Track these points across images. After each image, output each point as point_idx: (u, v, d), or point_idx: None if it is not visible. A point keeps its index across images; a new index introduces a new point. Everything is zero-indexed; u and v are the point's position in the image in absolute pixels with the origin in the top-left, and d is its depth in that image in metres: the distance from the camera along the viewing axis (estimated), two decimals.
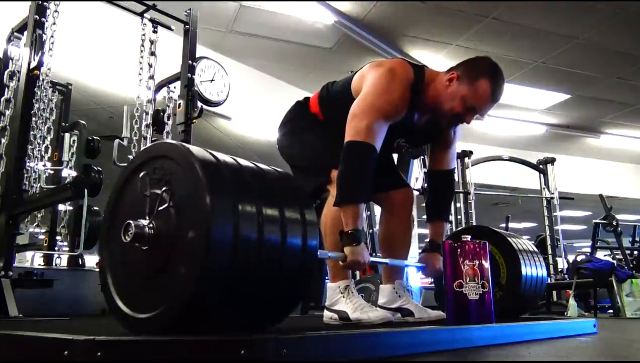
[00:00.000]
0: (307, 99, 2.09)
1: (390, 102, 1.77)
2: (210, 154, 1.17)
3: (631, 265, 6.26)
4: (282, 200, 1.20)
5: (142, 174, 1.20)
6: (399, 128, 1.88)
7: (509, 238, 2.30)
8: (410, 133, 1.98)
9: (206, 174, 1.08)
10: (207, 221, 1.04)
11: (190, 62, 3.54)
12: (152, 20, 3.46)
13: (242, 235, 1.08)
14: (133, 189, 1.24)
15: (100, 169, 3.46)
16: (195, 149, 1.15)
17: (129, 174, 1.26)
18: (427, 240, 2.10)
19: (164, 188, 1.15)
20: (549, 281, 5.57)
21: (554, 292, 5.47)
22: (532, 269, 2.30)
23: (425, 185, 2.17)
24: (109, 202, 1.30)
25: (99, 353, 0.94)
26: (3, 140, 2.84)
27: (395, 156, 2.32)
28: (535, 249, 2.44)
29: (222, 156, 1.19)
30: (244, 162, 1.23)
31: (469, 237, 1.71)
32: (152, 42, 3.44)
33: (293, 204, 1.22)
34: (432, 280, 2.96)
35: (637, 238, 7.23)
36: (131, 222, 1.13)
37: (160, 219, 1.14)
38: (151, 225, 1.14)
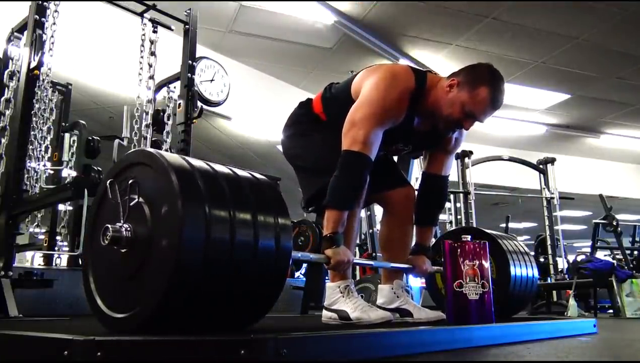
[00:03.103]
0: (309, 100, 2.09)
1: (387, 111, 1.79)
2: (185, 160, 1.22)
3: (631, 265, 6.26)
4: (256, 205, 1.24)
5: (120, 181, 1.26)
6: (397, 132, 1.89)
7: (498, 239, 2.30)
8: (409, 138, 1.98)
9: (179, 180, 1.13)
10: (179, 225, 1.08)
11: (190, 62, 3.53)
12: (152, 20, 3.46)
13: (214, 238, 1.12)
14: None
15: (100, 169, 3.47)
16: (170, 156, 1.21)
17: (109, 180, 1.30)
18: (414, 243, 2.11)
19: (140, 194, 1.20)
20: (549, 281, 5.58)
21: (554, 292, 5.48)
22: (522, 270, 2.31)
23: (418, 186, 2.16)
24: (91, 207, 1.37)
25: (99, 353, 0.95)
26: (3, 140, 2.84)
27: (395, 156, 2.32)
28: (526, 250, 2.45)
29: (197, 162, 1.24)
30: (219, 168, 1.28)
31: (469, 237, 1.71)
32: (152, 42, 3.44)
33: (266, 208, 1.26)
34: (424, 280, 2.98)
35: (637, 238, 7.24)
36: (109, 225, 1.18)
37: (136, 223, 1.19)
38: (128, 228, 1.19)
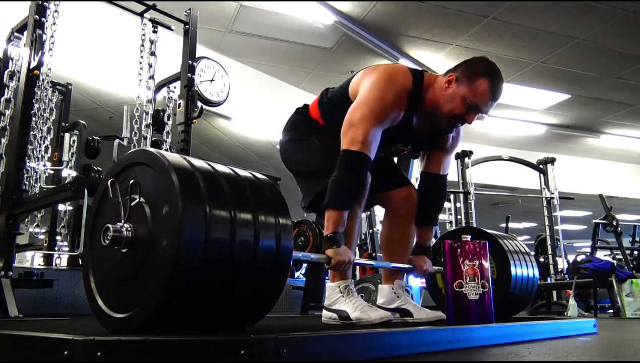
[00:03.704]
0: (306, 105, 2.10)
1: (385, 110, 1.80)
2: (186, 160, 1.21)
3: (631, 265, 6.26)
4: (256, 204, 1.23)
5: (120, 180, 1.25)
6: (397, 132, 1.89)
7: (499, 239, 2.30)
8: (408, 137, 1.98)
9: (180, 180, 1.12)
10: (179, 226, 1.08)
11: (190, 62, 3.54)
12: (152, 20, 3.46)
13: (214, 238, 1.12)
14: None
15: (100, 169, 3.47)
16: (170, 156, 1.20)
17: (110, 179, 1.29)
18: (415, 243, 2.12)
19: (141, 194, 1.19)
20: (549, 281, 5.58)
21: (554, 292, 5.48)
22: (523, 270, 2.31)
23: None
24: (92, 206, 1.36)
25: (99, 353, 0.95)
26: (3, 140, 2.84)
27: (395, 157, 2.32)
28: (527, 250, 2.45)
29: (197, 162, 1.23)
30: (219, 168, 1.27)
31: (469, 237, 1.71)
32: (152, 42, 3.44)
33: (267, 208, 1.26)
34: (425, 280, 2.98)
35: (637, 238, 7.24)
36: (110, 225, 1.18)
37: (136, 223, 1.18)
38: (128, 229, 1.18)
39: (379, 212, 4.67)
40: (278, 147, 2.16)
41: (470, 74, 1.80)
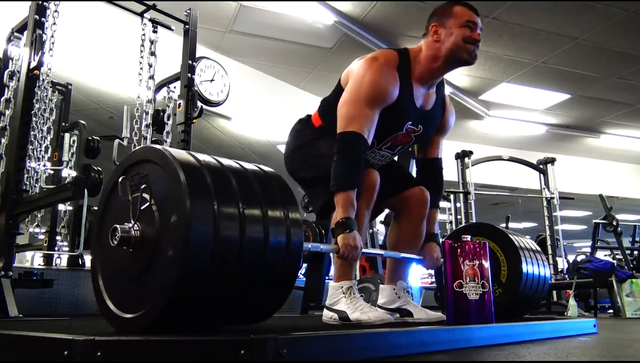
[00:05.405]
0: (308, 116, 2.11)
1: (375, 86, 1.82)
2: (192, 156, 1.20)
3: (631, 265, 6.26)
4: (265, 200, 1.22)
5: (127, 178, 1.24)
6: (402, 111, 1.90)
7: (511, 236, 2.28)
8: (416, 116, 1.96)
9: (187, 177, 1.11)
10: (187, 224, 1.07)
11: (190, 62, 3.53)
12: (152, 20, 3.46)
13: (223, 236, 1.10)
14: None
15: (100, 169, 3.47)
16: (177, 152, 1.18)
17: (117, 177, 1.28)
18: None
19: (148, 192, 1.18)
20: (549, 281, 5.57)
21: (554, 292, 5.48)
22: (534, 268, 2.28)
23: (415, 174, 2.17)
24: (99, 205, 1.35)
25: (99, 354, 0.95)
26: (3, 140, 2.84)
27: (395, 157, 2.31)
28: (538, 248, 2.43)
29: (203, 158, 1.22)
30: (226, 163, 1.26)
31: (469, 237, 1.72)
32: (152, 42, 3.44)
33: (276, 203, 1.24)
34: (433, 280, 2.96)
35: (637, 238, 7.24)
36: (117, 226, 1.17)
37: (144, 222, 1.17)
38: (136, 228, 1.17)
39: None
40: (279, 146, 2.16)
41: (444, 12, 1.89)
